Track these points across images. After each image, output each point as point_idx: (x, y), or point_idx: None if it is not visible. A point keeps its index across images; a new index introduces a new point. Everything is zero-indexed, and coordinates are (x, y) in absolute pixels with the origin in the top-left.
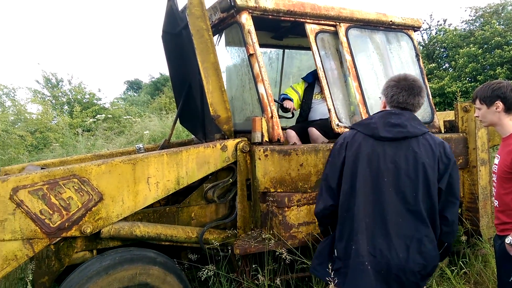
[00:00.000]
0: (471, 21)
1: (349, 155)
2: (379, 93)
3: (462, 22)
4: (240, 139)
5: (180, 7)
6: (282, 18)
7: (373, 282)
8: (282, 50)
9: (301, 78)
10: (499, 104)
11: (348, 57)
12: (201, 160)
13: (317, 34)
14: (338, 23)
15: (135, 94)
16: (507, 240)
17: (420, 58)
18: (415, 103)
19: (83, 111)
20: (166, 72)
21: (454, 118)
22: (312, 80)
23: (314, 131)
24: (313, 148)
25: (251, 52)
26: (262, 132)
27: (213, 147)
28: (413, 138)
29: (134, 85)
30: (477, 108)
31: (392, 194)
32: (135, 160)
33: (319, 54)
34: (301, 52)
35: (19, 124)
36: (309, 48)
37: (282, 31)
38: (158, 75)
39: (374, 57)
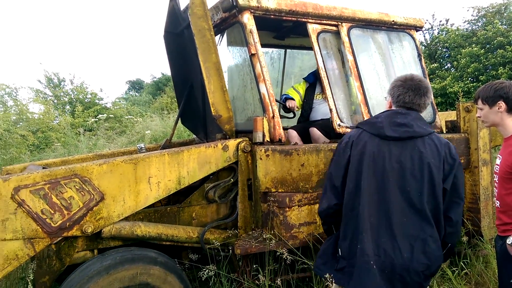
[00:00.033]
0: (473, 21)
1: (354, 154)
2: (381, 93)
3: (465, 22)
4: (242, 139)
5: (182, 7)
6: (284, 18)
7: (379, 281)
8: (284, 50)
9: (303, 78)
10: (502, 104)
11: (350, 57)
12: (202, 160)
13: (319, 34)
14: (340, 23)
15: (136, 94)
16: (509, 241)
17: (422, 58)
18: (421, 103)
19: (85, 110)
20: (168, 72)
21: (456, 118)
22: (313, 80)
23: (315, 131)
24: (315, 148)
25: (253, 52)
26: (263, 132)
27: (214, 147)
28: (419, 138)
29: (136, 85)
30: (479, 108)
31: (397, 193)
32: (137, 159)
33: (321, 54)
34: (303, 52)
35: (21, 123)
36: (311, 48)
37: (284, 31)
38: (160, 75)
39: (376, 57)
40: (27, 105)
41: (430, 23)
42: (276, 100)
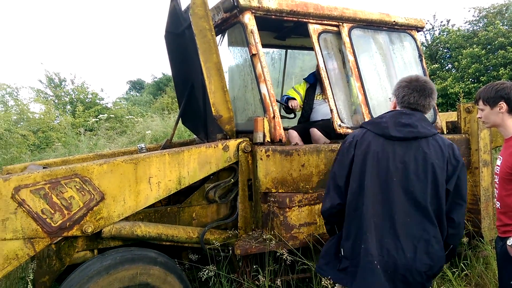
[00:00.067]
0: (474, 22)
1: (358, 154)
2: (381, 94)
3: (466, 22)
4: (242, 139)
5: (183, 7)
6: (285, 18)
7: (384, 281)
8: (284, 50)
9: (303, 79)
10: (503, 104)
11: (350, 57)
12: (203, 160)
13: (320, 34)
14: (341, 23)
15: (137, 94)
16: (509, 242)
17: (423, 58)
18: (425, 104)
19: (86, 110)
20: (169, 72)
21: (456, 119)
22: (313, 80)
23: (316, 132)
24: (315, 149)
25: (253, 52)
26: (264, 132)
27: (215, 147)
28: (423, 139)
29: (137, 85)
30: (480, 109)
31: (401, 194)
32: (137, 159)
33: (321, 54)
34: (303, 52)
35: (21, 123)
36: (311, 48)
37: (285, 31)
38: (160, 75)
39: (377, 57)
40: (28, 105)
41: (431, 24)
42: (277, 101)
